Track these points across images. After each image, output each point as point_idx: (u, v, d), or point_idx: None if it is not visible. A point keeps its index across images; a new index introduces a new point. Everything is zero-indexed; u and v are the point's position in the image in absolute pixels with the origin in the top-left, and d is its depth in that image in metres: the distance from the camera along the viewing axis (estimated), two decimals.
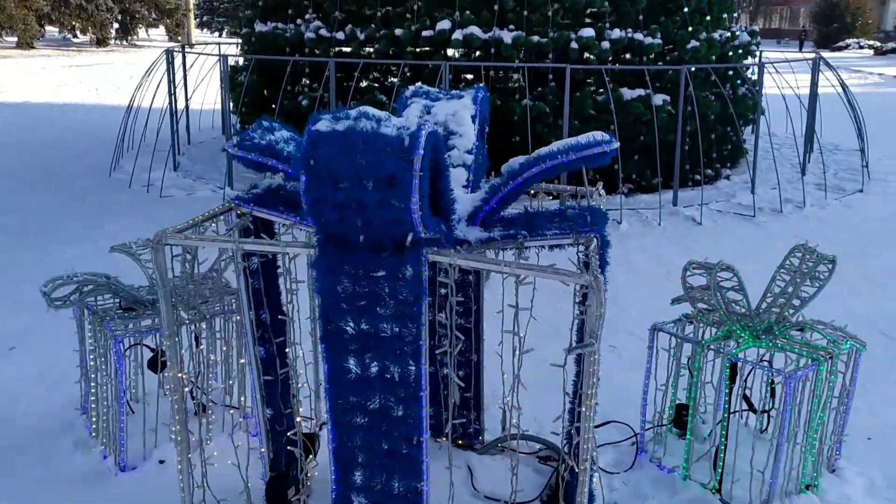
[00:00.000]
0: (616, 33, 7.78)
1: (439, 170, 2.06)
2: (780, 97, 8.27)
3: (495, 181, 2.45)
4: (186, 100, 9.91)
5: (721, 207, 7.59)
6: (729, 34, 8.80)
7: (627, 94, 7.67)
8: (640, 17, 8.00)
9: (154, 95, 8.70)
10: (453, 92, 2.94)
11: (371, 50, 8.29)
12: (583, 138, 2.38)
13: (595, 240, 2.28)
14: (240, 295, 2.51)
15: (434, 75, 7.61)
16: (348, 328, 2.10)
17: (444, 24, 7.68)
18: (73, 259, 5.68)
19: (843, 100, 9.18)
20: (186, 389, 3.34)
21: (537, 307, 2.60)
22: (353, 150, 1.87)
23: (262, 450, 2.65)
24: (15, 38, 33.86)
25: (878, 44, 41.59)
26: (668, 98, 7.78)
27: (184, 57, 9.71)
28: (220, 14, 48.52)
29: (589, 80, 7.93)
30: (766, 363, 3.01)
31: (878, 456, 3.33)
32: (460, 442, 3.23)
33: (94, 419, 3.25)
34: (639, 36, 7.88)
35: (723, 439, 2.96)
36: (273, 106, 8.13)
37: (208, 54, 9.28)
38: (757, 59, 9.48)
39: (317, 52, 8.37)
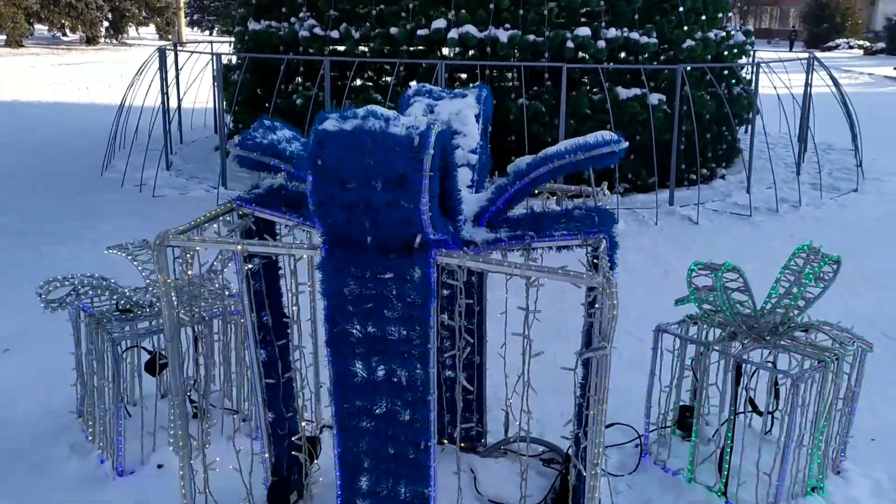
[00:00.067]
0: (612, 32, 7.76)
1: (448, 170, 2.02)
2: (774, 96, 8.27)
3: (501, 181, 2.42)
4: (178, 99, 9.83)
5: (717, 207, 7.58)
6: (724, 34, 8.80)
7: (623, 93, 7.65)
8: (636, 17, 7.98)
9: (146, 94, 8.62)
10: (456, 91, 2.90)
11: (365, 49, 8.25)
12: (590, 138, 2.35)
13: (604, 241, 2.25)
14: (241, 297, 2.46)
15: (429, 74, 7.57)
16: (355, 331, 2.06)
17: (440, 23, 7.64)
18: (67, 259, 5.62)
19: (837, 99, 9.19)
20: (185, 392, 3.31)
21: (538, 308, 2.57)
22: (361, 150, 1.83)
23: (266, 455, 2.60)
24: (3, 37, 33.62)
25: (868, 44, 41.77)
26: (663, 97, 7.77)
27: (176, 55, 9.64)
28: (211, 12, 48.30)
29: (584, 80, 7.91)
30: (769, 364, 2.99)
31: (881, 457, 3.31)
32: (462, 445, 3.19)
33: (90, 423, 3.19)
34: (634, 35, 7.86)
35: (728, 441, 2.94)
36: (267, 105, 8.08)
37: (201, 52, 9.21)
38: (752, 58, 9.48)
39: (311, 50, 8.31)
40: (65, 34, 39.49)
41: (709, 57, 8.39)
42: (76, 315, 3.23)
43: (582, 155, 2.29)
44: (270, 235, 2.61)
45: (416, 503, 2.20)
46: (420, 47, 7.96)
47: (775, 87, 8.13)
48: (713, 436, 3.25)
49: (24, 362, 3.98)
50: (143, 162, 8.17)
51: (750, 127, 8.36)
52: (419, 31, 7.73)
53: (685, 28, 8.23)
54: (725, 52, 8.85)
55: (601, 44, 7.63)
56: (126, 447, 3.01)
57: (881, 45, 39.33)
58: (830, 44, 42.47)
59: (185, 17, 41.74)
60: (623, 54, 8.16)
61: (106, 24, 37.16)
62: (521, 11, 7.72)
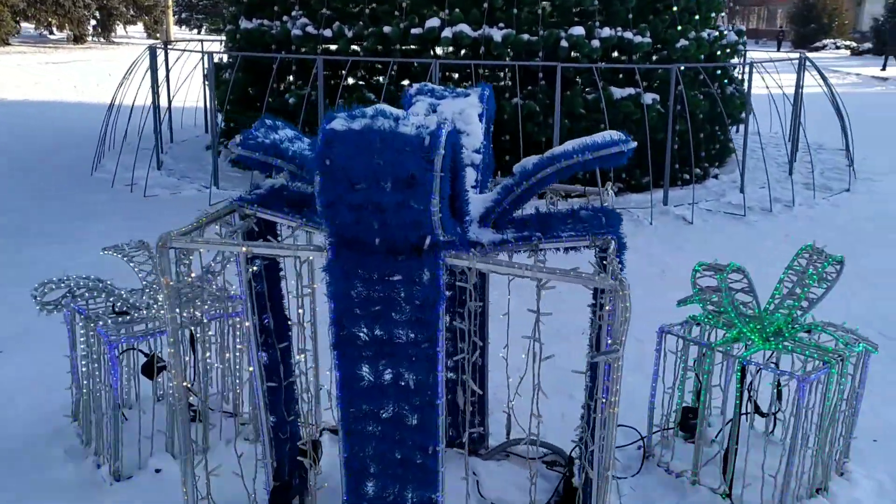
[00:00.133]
0: (606, 32, 7.75)
1: (456, 170, 1.99)
2: (764, 96, 8.29)
3: (507, 181, 2.39)
4: (169, 98, 9.75)
5: (711, 207, 7.58)
6: (717, 33, 8.80)
7: (617, 92, 7.64)
8: (630, 16, 7.97)
9: (136, 93, 8.55)
10: (459, 90, 2.87)
11: (357, 48, 8.20)
12: (598, 137, 2.32)
13: (613, 242, 2.22)
14: (243, 300, 2.42)
15: (423, 74, 7.53)
16: (362, 334, 2.03)
17: (434, 22, 7.61)
18: (60, 260, 5.55)
19: (829, 99, 9.21)
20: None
21: (533, 308, 2.53)
22: (370, 150, 1.80)
23: (272, 462, 2.55)
24: None
25: (855, 44, 42.01)
26: (657, 97, 7.76)
27: (166, 54, 9.55)
28: (199, 11, 48.04)
29: (578, 80, 7.89)
30: (772, 364, 2.98)
31: (884, 458, 3.31)
32: (457, 445, 3.16)
33: (86, 427, 3.14)
34: (628, 34, 7.85)
35: (733, 443, 2.92)
36: (258, 104, 8.02)
37: (191, 51, 9.14)
38: (744, 59, 9.49)
39: (303, 49, 8.26)
40: (52, 32, 39.16)
41: (702, 57, 8.40)
42: (71, 317, 3.18)
43: (590, 155, 2.26)
44: (272, 236, 2.57)
45: None
46: (413, 46, 7.92)
47: (768, 87, 8.15)
48: (716, 437, 3.24)
49: (14, 366, 3.93)
50: (135, 161, 8.09)
51: (744, 127, 8.37)
52: (413, 30, 7.69)
53: (679, 28, 8.23)
54: (718, 52, 8.86)
55: (595, 43, 7.62)
56: (123, 451, 2.96)
57: (868, 45, 39.56)
58: (818, 44, 42.69)
59: (174, 15, 41.49)
60: (615, 54, 8.14)
61: (93, 22, 36.88)
62: (514, 10, 7.69)
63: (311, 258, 2.14)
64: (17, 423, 3.35)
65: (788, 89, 9.16)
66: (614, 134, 2.31)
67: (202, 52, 9.24)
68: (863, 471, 3.17)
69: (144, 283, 3.25)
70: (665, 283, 5.23)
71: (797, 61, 8.98)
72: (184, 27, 48.93)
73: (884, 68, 27.93)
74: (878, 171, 9.56)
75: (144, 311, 3.11)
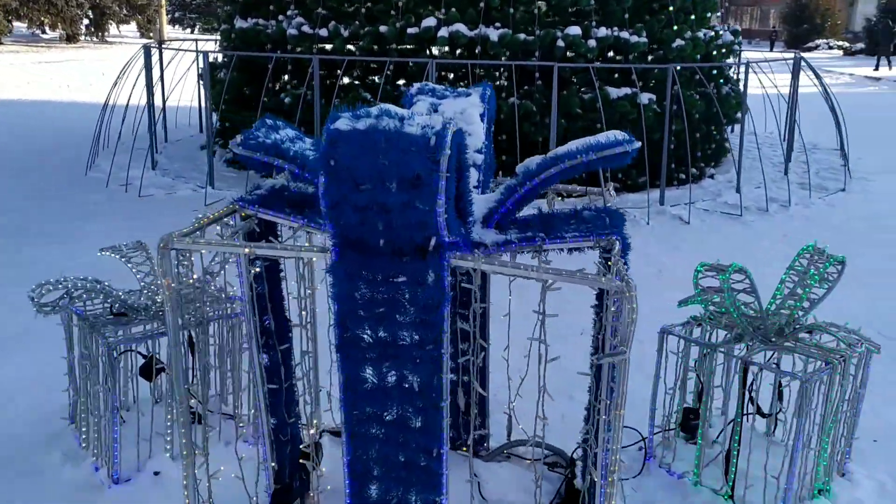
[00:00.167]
0: (602, 31, 7.74)
1: (461, 170, 1.97)
2: (760, 96, 8.29)
3: (511, 182, 2.37)
4: (163, 97, 9.70)
5: (707, 206, 7.58)
6: (713, 33, 8.81)
7: (614, 92, 7.64)
8: (626, 16, 7.96)
9: (131, 93, 8.50)
10: (460, 90, 2.85)
11: (353, 48, 8.17)
12: (601, 137, 2.31)
13: (617, 243, 2.20)
14: (243, 301, 2.40)
15: (419, 73, 7.52)
16: (365, 336, 2.01)
17: (430, 22, 7.59)
18: (58, 260, 5.51)
19: (825, 99, 9.23)
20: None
21: (534, 308, 2.52)
22: (375, 150, 1.78)
23: (272, 464, 2.53)
24: None
25: (847, 44, 42.14)
26: (653, 97, 7.76)
27: (161, 53, 9.51)
28: (193, 10, 47.89)
29: (573, 79, 7.88)
30: (774, 365, 2.97)
31: (884, 458, 3.30)
32: (464, 449, 3.14)
33: (84, 429, 3.11)
34: (625, 34, 7.85)
35: (735, 444, 2.91)
36: (254, 104, 7.98)
37: (186, 50, 9.10)
38: (739, 59, 9.50)
39: (298, 49, 8.23)
40: (44, 32, 38.98)
41: (698, 56, 8.40)
42: (68, 319, 3.15)
43: (594, 155, 2.25)
44: (272, 237, 2.55)
45: None
46: (410, 46, 7.90)
47: (765, 87, 8.15)
48: (717, 438, 3.23)
49: (17, 365, 3.89)
50: (129, 161, 8.05)
51: (740, 126, 8.37)
52: (409, 30, 7.67)
53: (675, 28, 8.23)
54: (714, 52, 8.86)
55: (591, 43, 7.61)
56: (121, 454, 2.93)
57: (860, 45, 39.69)
58: (810, 44, 42.78)
59: (166, 14, 41.35)
60: (611, 53, 8.14)
61: (86, 21, 36.72)
62: (511, 10, 7.68)
63: (314, 259, 2.12)
64: (15, 426, 3.32)
65: (783, 89, 9.16)
66: (618, 134, 2.30)
67: (196, 51, 9.20)
68: (864, 471, 3.17)
69: (142, 283, 3.22)
70: (662, 283, 5.22)
71: (792, 61, 9.01)
72: (177, 26, 48.75)
73: (876, 68, 28.03)
74: (873, 170, 9.58)
75: (143, 313, 3.08)
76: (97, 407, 3.00)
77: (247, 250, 2.06)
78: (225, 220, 2.41)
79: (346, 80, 8.20)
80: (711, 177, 8.82)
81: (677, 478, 3.09)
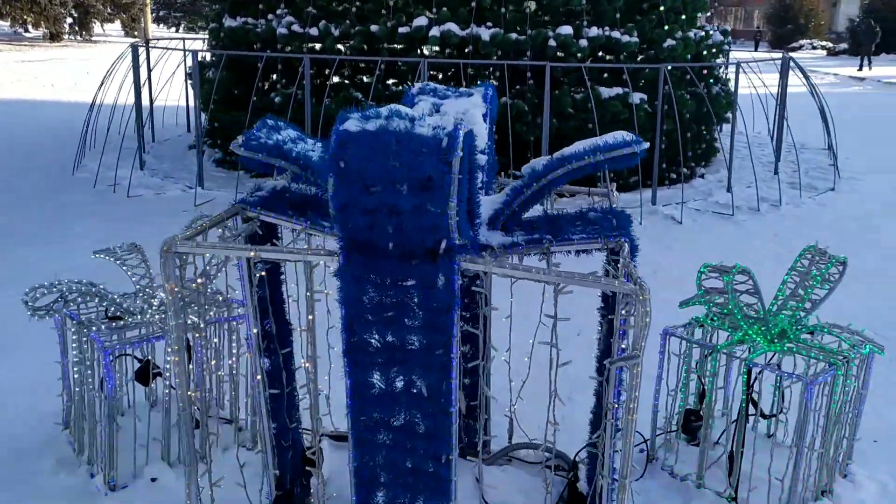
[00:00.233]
0: (593, 31, 7.73)
1: (471, 171, 1.94)
2: (748, 96, 8.30)
3: (517, 183, 2.34)
4: (151, 97, 9.62)
5: (699, 206, 7.58)
6: (703, 33, 8.82)
7: (605, 92, 7.63)
8: (617, 16, 7.96)
9: (118, 92, 8.41)
10: (462, 89, 2.82)
11: (342, 47, 8.11)
12: (609, 138, 2.29)
13: (626, 245, 2.18)
14: (246, 304, 2.35)
15: (410, 73, 7.48)
16: (373, 340, 1.97)
17: (421, 21, 7.55)
18: (48, 262, 5.43)
19: (814, 99, 9.26)
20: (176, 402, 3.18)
21: (534, 310, 2.49)
22: (385, 152, 1.74)
23: (275, 471, 2.49)
24: None
25: (831, 45, 42.45)
26: (644, 96, 7.76)
27: (147, 52, 9.41)
28: (178, 9, 47.56)
29: (563, 79, 7.86)
30: (775, 366, 2.96)
31: (885, 458, 3.30)
32: (469, 454, 3.11)
33: (78, 435, 3.05)
34: (616, 34, 7.84)
35: (738, 445, 2.90)
36: (243, 103, 7.91)
37: (175, 49, 9.02)
38: (726, 59, 9.52)
39: (288, 48, 8.17)
40: (27, 30, 38.59)
41: (689, 56, 8.41)
42: (62, 322, 3.10)
43: (601, 156, 2.22)
44: (274, 239, 2.51)
45: None
46: (401, 45, 7.85)
47: (755, 87, 8.17)
48: (718, 439, 3.21)
49: (8, 369, 3.82)
50: (117, 161, 7.95)
51: (731, 126, 8.39)
52: (400, 29, 7.63)
53: (666, 27, 8.23)
54: (704, 52, 8.88)
55: (583, 42, 7.60)
56: (118, 460, 2.88)
57: (844, 45, 39.98)
58: (794, 44, 43.05)
59: (151, 13, 41.05)
60: (601, 53, 8.13)
61: (70, 20, 36.37)
62: (502, 10, 7.65)
63: (320, 263, 2.08)
64: (7, 431, 3.26)
65: (772, 89, 9.18)
66: (626, 135, 2.27)
67: (183, 49, 9.12)
68: (866, 472, 3.16)
69: (138, 286, 3.17)
70: (658, 283, 5.19)
71: (780, 61, 9.04)
72: (161, 25, 48.42)
73: (860, 68, 28.23)
74: (860, 170, 9.63)
75: (139, 317, 3.03)
76: (92, 412, 2.95)
77: (252, 254, 2.01)
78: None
79: (335, 79, 8.14)
80: (702, 176, 8.83)
81: (680, 480, 3.08)
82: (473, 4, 7.58)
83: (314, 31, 8.02)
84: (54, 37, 35.23)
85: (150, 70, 9.37)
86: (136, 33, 36.42)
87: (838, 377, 2.82)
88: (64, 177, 8.31)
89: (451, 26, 7.49)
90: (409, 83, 7.60)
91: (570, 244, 2.20)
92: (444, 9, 7.60)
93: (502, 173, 6.22)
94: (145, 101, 9.07)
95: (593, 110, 7.09)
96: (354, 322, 1.96)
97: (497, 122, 7.84)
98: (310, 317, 2.21)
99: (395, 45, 7.88)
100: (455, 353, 1.96)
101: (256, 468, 2.76)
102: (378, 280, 1.91)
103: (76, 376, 3.00)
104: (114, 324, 2.99)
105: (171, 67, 9.45)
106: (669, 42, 8.16)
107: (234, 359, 3.11)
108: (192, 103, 10.49)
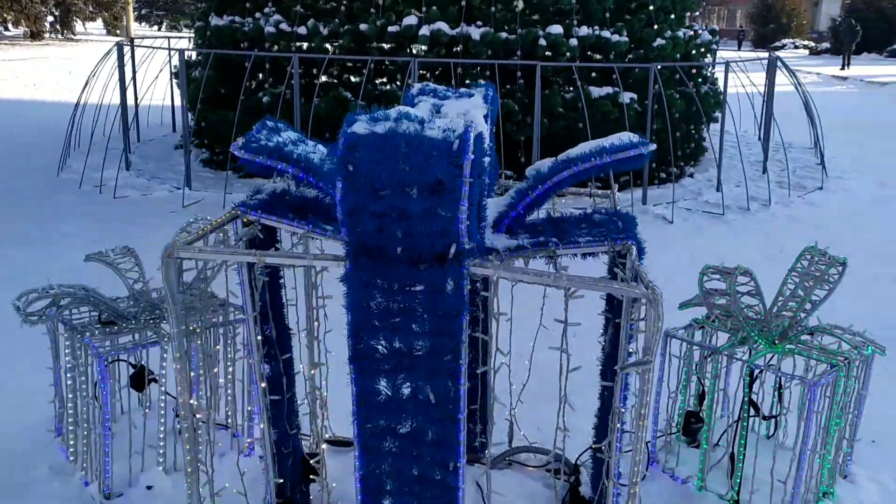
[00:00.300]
0: (583, 30, 7.72)
1: (480, 174, 1.91)
2: (735, 95, 8.32)
3: (521, 185, 2.31)
4: (136, 96, 9.50)
5: (689, 206, 7.59)
6: (692, 33, 8.84)
7: (595, 91, 7.62)
8: (607, 15, 7.95)
9: (103, 91, 8.31)
10: (462, 90, 2.78)
11: (330, 46, 8.05)
12: (615, 139, 2.26)
13: (633, 247, 2.16)
14: (246, 309, 2.31)
15: (400, 72, 7.44)
16: (380, 347, 1.94)
17: (411, 20, 7.51)
18: (32, 263, 5.35)
19: (801, 98, 9.30)
20: (171, 408, 3.13)
21: (532, 313, 2.47)
22: (395, 155, 1.71)
23: (279, 480, 2.45)
24: None
25: (813, 44, 42.77)
26: (635, 96, 7.76)
27: (132, 51, 9.31)
28: (160, 7, 47.20)
29: (554, 79, 7.84)
30: (777, 368, 2.95)
31: (884, 459, 3.30)
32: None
33: (72, 442, 3.00)
34: (606, 33, 7.83)
35: (740, 448, 2.88)
36: (230, 102, 7.84)
37: (161, 48, 8.92)
38: (718, 58, 9.55)
39: (275, 48, 8.10)
40: (7, 29, 38.13)
41: (678, 56, 8.42)
42: (54, 328, 3.04)
43: (608, 158, 2.20)
44: (273, 242, 2.47)
45: None
46: (390, 45, 7.81)
47: (744, 86, 8.19)
48: (718, 441, 3.20)
49: None
50: (104, 162, 7.85)
51: (720, 125, 8.41)
52: (389, 28, 7.58)
53: (655, 27, 8.24)
54: (693, 51, 8.89)
55: (573, 42, 7.59)
56: (113, 468, 2.82)
57: (826, 45, 40.30)
58: (777, 43, 43.34)
59: (133, 11, 40.70)
60: (590, 52, 8.12)
61: (51, 18, 35.97)
62: (492, 9, 7.63)
63: (325, 268, 2.04)
64: None
65: (760, 88, 9.22)
66: (632, 136, 2.25)
67: (168, 48, 9.02)
68: (865, 472, 3.16)
69: (131, 290, 3.11)
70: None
71: (766, 61, 9.07)
72: (143, 24, 48.01)
73: (843, 67, 28.45)
74: (848, 168, 9.69)
75: (133, 321, 2.98)
76: (86, 419, 2.89)
77: (258, 259, 1.97)
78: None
79: (323, 78, 8.08)
80: (691, 176, 8.85)
81: (681, 483, 3.06)
82: (463, 3, 7.55)
83: (302, 30, 7.95)
84: (35, 35, 34.83)
85: (134, 69, 9.26)
86: (118, 32, 36.11)
87: (840, 378, 2.81)
88: (49, 178, 8.20)
89: (441, 25, 7.46)
90: (399, 83, 7.55)
91: (576, 247, 2.18)
92: (434, 7, 7.56)
93: (502, 175, 6.21)
94: (130, 101, 8.96)
95: (584, 110, 7.08)
96: (361, 328, 1.93)
97: None
98: (316, 322, 2.17)
99: (385, 45, 7.84)
100: (463, 359, 1.93)
101: (254, 474, 2.72)
102: (385, 285, 1.87)
103: (69, 382, 2.94)
104: (107, 329, 2.94)
105: (156, 66, 9.35)
106: (659, 41, 8.16)
107: (231, 363, 3.06)
108: (177, 103, 10.39)
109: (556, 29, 7.55)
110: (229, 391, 3.13)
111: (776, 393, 3.19)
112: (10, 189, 7.71)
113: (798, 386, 2.94)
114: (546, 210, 2.49)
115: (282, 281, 2.52)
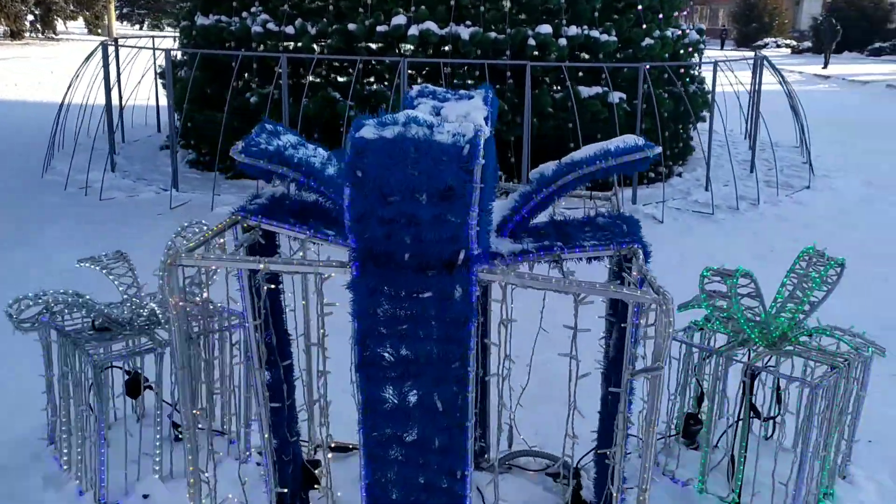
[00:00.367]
0: (572, 30, 7.72)
1: (486, 179, 1.88)
2: (721, 94, 8.35)
3: (525, 189, 2.29)
4: (120, 96, 9.41)
5: (679, 205, 7.61)
6: (680, 32, 8.86)
7: (585, 91, 7.62)
8: (595, 14, 7.95)
9: (88, 92, 8.21)
10: (462, 92, 2.75)
11: (316, 46, 8.00)
12: (619, 142, 2.25)
13: (639, 251, 2.14)
14: (247, 319, 2.27)
15: (390, 72, 7.40)
16: (386, 354, 1.91)
17: (400, 20, 7.47)
18: (18, 266, 5.26)
19: (787, 97, 9.35)
20: (167, 415, 3.09)
21: (530, 315, 2.44)
22: (404, 160, 1.68)
23: (283, 490, 2.41)
24: None
25: (795, 42, 43.11)
26: (624, 96, 7.77)
27: (117, 50, 9.20)
28: (141, 6, 46.81)
29: (543, 78, 7.83)
30: (778, 370, 2.95)
31: (881, 458, 3.32)
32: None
33: (65, 451, 2.95)
34: (595, 33, 7.83)
35: (739, 449, 2.88)
36: (216, 103, 7.77)
37: (143, 48, 8.82)
38: (705, 58, 9.58)
39: (261, 48, 8.03)
40: None
41: (666, 55, 8.43)
42: (47, 335, 2.98)
43: (613, 161, 2.18)
44: (272, 248, 2.43)
45: None
46: (378, 44, 7.77)
47: (732, 85, 8.22)
48: (717, 443, 3.19)
49: None
50: (89, 163, 7.76)
51: (709, 124, 8.43)
52: (378, 28, 7.54)
53: (644, 26, 8.24)
54: (681, 51, 8.92)
55: (562, 42, 7.58)
56: (109, 476, 2.78)
57: (807, 44, 40.62)
58: (759, 42, 43.64)
59: (115, 10, 40.32)
60: (580, 52, 8.12)
61: (31, 17, 35.56)
62: (481, 9, 7.60)
63: (319, 274, 2.01)
64: None
65: (740, 87, 9.25)
66: (637, 139, 2.24)
67: (153, 48, 8.93)
68: (863, 473, 3.17)
69: (125, 296, 3.07)
70: None
71: (752, 60, 9.11)
72: (125, 22, 47.61)
73: (825, 66, 28.67)
74: (834, 167, 9.75)
75: (127, 328, 2.93)
76: (80, 427, 2.84)
77: (262, 266, 1.94)
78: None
79: (311, 78, 8.02)
80: (679, 175, 8.87)
81: (681, 485, 3.05)
82: (452, 3, 7.52)
83: (290, 30, 7.89)
84: (15, 35, 34.42)
85: (119, 69, 9.16)
86: (99, 31, 35.76)
87: (840, 380, 2.81)
88: (33, 179, 8.09)
89: (430, 25, 7.43)
90: (388, 83, 7.51)
91: (582, 251, 2.16)
92: (423, 7, 7.53)
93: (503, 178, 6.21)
94: (115, 101, 8.86)
95: (573, 110, 7.07)
96: (367, 336, 1.90)
97: None
98: (322, 330, 2.14)
99: (373, 44, 7.79)
100: (472, 366, 1.90)
101: (253, 481, 2.68)
102: (393, 292, 1.85)
103: (62, 390, 2.89)
104: (101, 335, 2.89)
105: (140, 66, 9.26)
106: (648, 41, 8.17)
107: (227, 369, 3.02)
108: (162, 103, 10.29)
109: (546, 28, 7.54)
110: (224, 398, 3.10)
111: (774, 394, 3.18)
112: None
113: (796, 387, 2.94)
114: (548, 213, 2.47)
115: (280, 286, 2.48)
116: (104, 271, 3.06)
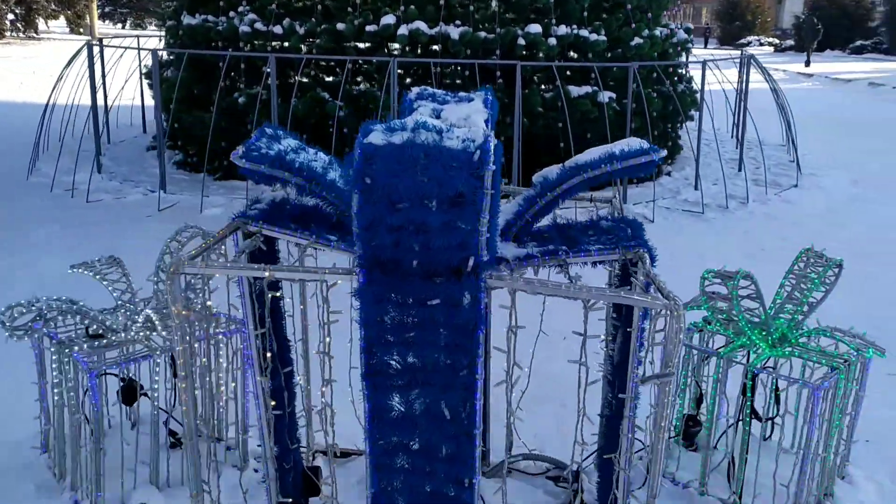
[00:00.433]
0: (562, 30, 7.71)
1: (493, 184, 1.86)
2: (709, 93, 8.38)
3: (529, 193, 2.27)
4: (105, 97, 9.30)
5: (669, 205, 7.62)
6: (668, 31, 8.88)
7: (575, 90, 7.61)
8: (585, 14, 7.95)
9: (73, 92, 8.12)
10: (461, 94, 2.73)
11: (305, 46, 7.94)
12: (624, 145, 2.23)
13: (646, 255, 2.13)
14: (247, 326, 2.24)
15: (379, 72, 7.36)
16: (393, 362, 1.88)
17: (389, 19, 7.43)
18: (6, 271, 5.18)
19: (774, 96, 9.40)
20: (163, 422, 3.05)
21: (528, 316, 2.42)
22: (413, 166, 1.65)
23: (286, 500, 2.38)
24: None
25: (777, 41, 43.42)
26: (613, 95, 7.77)
27: (101, 51, 9.10)
28: (124, 5, 46.41)
29: (533, 78, 7.82)
30: (779, 371, 2.94)
31: (879, 458, 3.32)
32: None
33: (59, 460, 2.90)
34: (584, 32, 7.83)
35: (740, 451, 2.87)
36: (204, 103, 7.70)
37: (128, 48, 8.73)
38: (694, 57, 9.60)
39: (247, 47, 7.97)
40: None
41: (655, 54, 8.44)
42: (40, 342, 2.93)
43: (619, 165, 2.17)
44: (272, 253, 2.40)
45: None
46: (367, 44, 7.73)
47: (720, 82, 8.24)
48: (716, 444, 3.19)
49: None
50: (76, 165, 7.66)
51: (698, 123, 8.45)
52: (367, 27, 7.50)
53: (633, 26, 8.25)
54: (670, 50, 8.94)
55: (552, 41, 7.57)
56: (105, 485, 2.73)
57: (790, 42, 40.91)
58: (742, 41, 43.91)
59: (97, 9, 39.96)
60: (569, 52, 8.12)
61: (11, 16, 35.16)
62: (471, 8, 7.58)
63: (338, 282, 1.98)
64: None
65: (728, 86, 9.28)
66: (641, 142, 2.22)
67: (138, 48, 8.84)
68: (862, 473, 3.18)
69: (119, 301, 3.02)
70: None
71: (739, 59, 9.15)
72: (107, 21, 47.18)
73: (808, 64, 28.87)
74: (820, 165, 9.80)
75: (122, 334, 2.88)
76: (74, 436, 2.79)
77: (267, 273, 1.91)
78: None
79: (299, 78, 7.97)
80: (668, 174, 8.89)
81: (682, 487, 3.05)
82: (441, 2, 7.49)
83: (278, 30, 7.84)
84: None
85: (104, 70, 9.06)
86: (81, 30, 35.43)
87: (840, 381, 2.81)
88: (18, 182, 7.98)
89: (420, 25, 7.39)
90: (378, 83, 7.47)
91: (587, 255, 2.14)
92: (412, 7, 7.50)
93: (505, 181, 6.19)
94: (100, 102, 8.77)
95: (563, 109, 7.07)
96: (374, 343, 1.87)
97: None
98: (327, 339, 2.11)
99: (362, 44, 7.75)
100: (479, 374, 1.88)
101: (252, 489, 2.65)
102: (400, 299, 1.82)
103: (56, 398, 2.84)
104: (95, 342, 2.84)
105: (125, 66, 9.16)
106: (637, 40, 8.18)
107: (224, 375, 2.98)
108: (148, 103, 10.19)
109: (535, 28, 7.53)
110: (222, 404, 3.06)
111: (773, 395, 3.18)
112: None
113: (795, 389, 2.94)
114: (550, 216, 2.46)
115: (280, 293, 2.45)
116: (98, 277, 3.01)
